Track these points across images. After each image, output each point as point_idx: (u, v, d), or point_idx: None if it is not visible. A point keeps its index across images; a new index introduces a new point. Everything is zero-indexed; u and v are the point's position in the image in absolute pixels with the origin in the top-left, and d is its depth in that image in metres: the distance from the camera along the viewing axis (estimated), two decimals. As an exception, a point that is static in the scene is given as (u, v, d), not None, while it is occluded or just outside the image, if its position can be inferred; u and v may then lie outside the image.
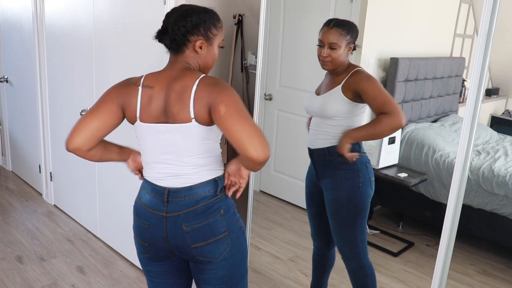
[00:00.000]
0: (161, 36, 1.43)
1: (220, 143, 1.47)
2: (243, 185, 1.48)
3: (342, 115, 1.83)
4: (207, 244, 1.39)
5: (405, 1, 2.20)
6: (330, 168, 1.89)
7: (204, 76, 1.36)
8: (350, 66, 1.84)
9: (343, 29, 1.78)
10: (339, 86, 1.82)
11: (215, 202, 1.40)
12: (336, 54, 1.79)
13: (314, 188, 2.01)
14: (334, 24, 1.79)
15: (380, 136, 1.97)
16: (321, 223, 2.05)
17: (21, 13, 3.60)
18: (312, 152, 1.94)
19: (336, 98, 1.82)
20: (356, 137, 1.81)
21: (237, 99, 1.31)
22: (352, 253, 1.94)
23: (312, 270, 2.23)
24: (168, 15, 1.42)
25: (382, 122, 1.71)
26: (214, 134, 1.38)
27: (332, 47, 1.78)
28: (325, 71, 1.91)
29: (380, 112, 1.72)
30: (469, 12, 2.16)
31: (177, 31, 1.39)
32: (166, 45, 1.43)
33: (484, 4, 1.43)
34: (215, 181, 1.40)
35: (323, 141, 1.88)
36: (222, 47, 1.50)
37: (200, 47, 1.42)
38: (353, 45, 1.83)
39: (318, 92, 1.93)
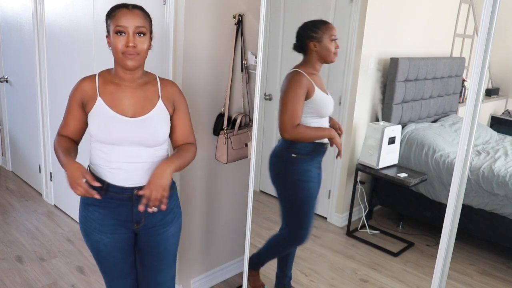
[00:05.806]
0: None
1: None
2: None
3: None
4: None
5: (405, 1, 2.19)
6: None
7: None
8: None
9: None
10: None
11: None
12: None
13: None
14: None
15: None
16: None
17: (21, 13, 3.60)
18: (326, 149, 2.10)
19: None
20: None
21: None
22: None
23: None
24: None
25: None
26: None
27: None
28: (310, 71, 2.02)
29: None
30: (469, 12, 2.16)
31: None
32: None
33: (484, 4, 1.43)
34: None
35: None
36: (120, 33, 1.48)
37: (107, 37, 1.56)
38: None
39: (324, 91, 2.00)
